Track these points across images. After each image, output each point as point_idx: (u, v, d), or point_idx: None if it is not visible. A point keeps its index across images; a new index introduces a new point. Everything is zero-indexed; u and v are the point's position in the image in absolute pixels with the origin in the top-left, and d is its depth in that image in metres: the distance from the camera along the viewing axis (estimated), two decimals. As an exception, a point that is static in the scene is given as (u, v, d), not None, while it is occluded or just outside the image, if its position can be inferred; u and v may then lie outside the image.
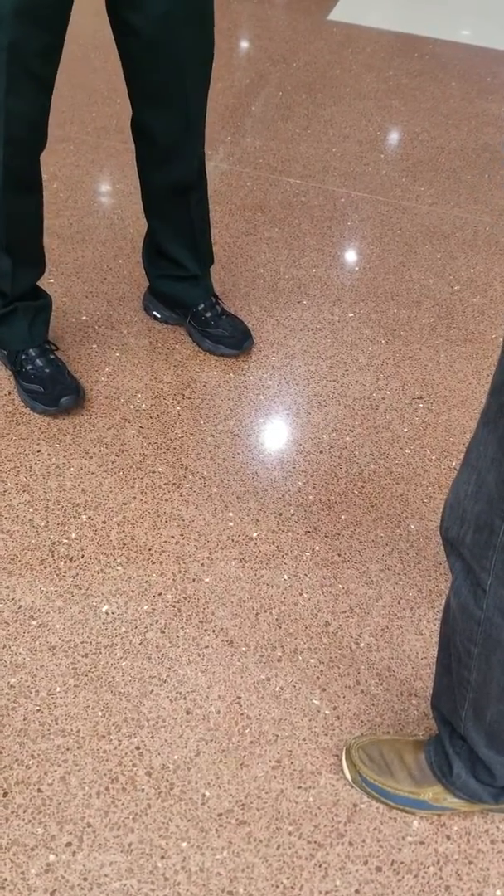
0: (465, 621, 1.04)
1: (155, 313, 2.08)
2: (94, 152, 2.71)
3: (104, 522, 1.63)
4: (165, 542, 1.61)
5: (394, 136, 2.95)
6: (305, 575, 1.57)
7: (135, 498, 1.68)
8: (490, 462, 0.92)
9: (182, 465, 1.75)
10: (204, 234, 1.91)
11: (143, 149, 1.76)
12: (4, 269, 1.72)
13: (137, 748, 1.32)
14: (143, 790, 1.27)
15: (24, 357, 1.83)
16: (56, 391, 1.80)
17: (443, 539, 1.03)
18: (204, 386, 1.93)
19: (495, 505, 0.93)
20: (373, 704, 1.39)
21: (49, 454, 1.75)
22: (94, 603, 1.50)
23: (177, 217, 1.85)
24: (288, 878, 1.19)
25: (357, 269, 2.32)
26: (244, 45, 3.52)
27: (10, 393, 1.87)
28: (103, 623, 1.47)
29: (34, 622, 1.47)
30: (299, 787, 1.29)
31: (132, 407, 1.87)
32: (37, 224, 1.74)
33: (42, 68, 1.49)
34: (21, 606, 1.49)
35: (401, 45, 3.57)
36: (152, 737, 1.33)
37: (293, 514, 1.68)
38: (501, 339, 0.78)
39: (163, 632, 1.47)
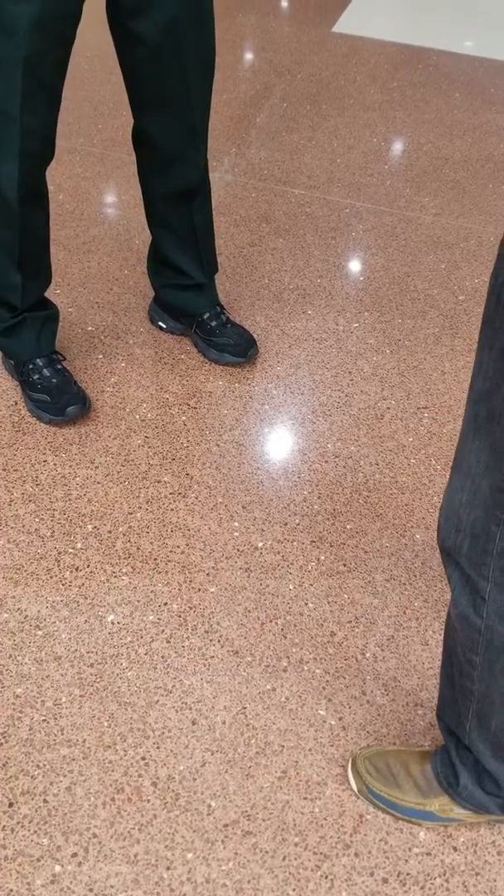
0: (466, 631, 1.03)
1: (160, 324, 2.09)
2: (100, 164, 2.73)
3: (110, 532, 1.64)
4: (171, 551, 1.61)
5: (398, 147, 2.96)
6: (311, 585, 1.57)
7: (140, 508, 1.68)
8: (484, 469, 0.91)
9: (187, 474, 1.75)
10: (207, 242, 1.92)
11: (145, 157, 1.77)
12: (15, 283, 1.73)
13: (143, 758, 1.32)
14: (148, 801, 1.27)
15: (31, 367, 1.84)
16: (63, 401, 1.81)
17: (440, 549, 1.03)
18: (209, 396, 1.94)
19: (490, 511, 0.92)
20: (379, 715, 1.39)
21: (55, 464, 1.76)
22: (100, 613, 1.50)
23: (180, 225, 1.86)
24: (294, 890, 1.19)
25: (362, 279, 2.33)
26: (249, 56, 3.54)
27: (16, 403, 1.88)
28: (109, 633, 1.47)
29: (40, 632, 1.47)
30: (305, 798, 1.28)
31: (138, 417, 1.87)
32: (45, 236, 1.75)
33: (55, 82, 1.51)
34: (27, 616, 1.49)
35: (405, 57, 3.59)
36: (158, 747, 1.33)
37: (298, 524, 1.68)
38: (477, 346, 0.78)
39: (168, 642, 1.47)
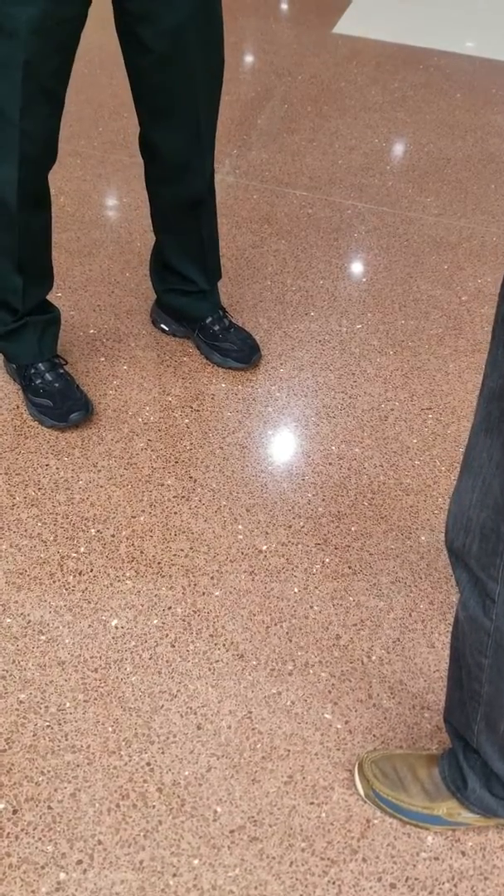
0: (475, 633, 1.03)
1: (163, 326, 2.08)
2: (100, 166, 2.73)
3: (113, 536, 1.63)
4: (175, 555, 1.60)
5: (399, 148, 2.95)
6: (316, 587, 1.56)
7: (143, 511, 1.68)
8: (496, 468, 0.91)
9: (191, 477, 1.75)
10: (213, 250, 1.91)
11: (152, 166, 1.76)
12: (16, 286, 1.72)
13: (148, 764, 1.31)
14: (154, 807, 1.26)
15: (33, 371, 1.83)
16: (66, 406, 1.80)
17: (448, 551, 1.02)
18: (212, 398, 1.93)
19: (501, 511, 0.92)
20: (385, 718, 1.38)
21: (57, 468, 1.75)
22: (104, 617, 1.49)
23: (186, 233, 1.85)
24: (301, 896, 1.18)
25: (364, 280, 2.32)
26: (249, 58, 3.54)
27: (18, 407, 1.87)
28: (113, 637, 1.47)
29: (43, 637, 1.46)
30: (312, 803, 1.27)
31: (140, 420, 1.87)
32: (47, 239, 1.74)
33: (56, 87, 1.50)
34: (30, 621, 1.48)
35: (406, 58, 3.58)
36: (163, 752, 1.32)
37: (303, 527, 1.67)
38: (490, 344, 0.78)
39: (173, 646, 1.46)
